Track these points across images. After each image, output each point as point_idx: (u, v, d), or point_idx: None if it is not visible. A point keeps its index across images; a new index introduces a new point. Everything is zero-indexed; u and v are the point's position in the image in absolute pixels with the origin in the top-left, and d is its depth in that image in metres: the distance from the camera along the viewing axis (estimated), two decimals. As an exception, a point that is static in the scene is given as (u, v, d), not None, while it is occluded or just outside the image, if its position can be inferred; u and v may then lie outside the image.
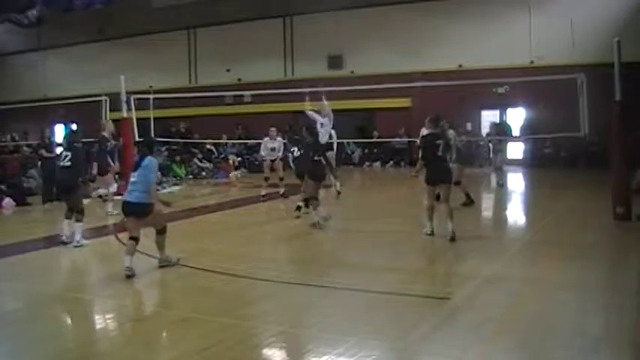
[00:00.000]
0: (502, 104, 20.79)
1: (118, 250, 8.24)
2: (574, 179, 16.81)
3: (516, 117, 20.72)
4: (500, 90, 20.12)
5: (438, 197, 9.28)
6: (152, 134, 14.59)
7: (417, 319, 5.35)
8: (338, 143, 14.79)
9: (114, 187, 12.61)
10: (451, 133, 11.86)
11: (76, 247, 8.84)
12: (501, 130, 16.14)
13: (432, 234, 8.95)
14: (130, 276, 6.95)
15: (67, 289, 7.02)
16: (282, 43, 24.10)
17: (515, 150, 20.29)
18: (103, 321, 5.92)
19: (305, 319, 5.72)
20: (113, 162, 12.98)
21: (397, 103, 21.08)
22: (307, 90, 13.46)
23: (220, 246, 9.02)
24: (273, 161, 14.24)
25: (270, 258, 8.26)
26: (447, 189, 9.02)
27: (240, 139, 22.51)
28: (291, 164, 13.24)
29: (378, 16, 22.00)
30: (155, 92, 17.24)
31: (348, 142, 21.75)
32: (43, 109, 20.97)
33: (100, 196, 13.79)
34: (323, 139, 12.01)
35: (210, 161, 21.29)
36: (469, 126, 15.31)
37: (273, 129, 14.47)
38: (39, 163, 15.58)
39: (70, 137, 9.76)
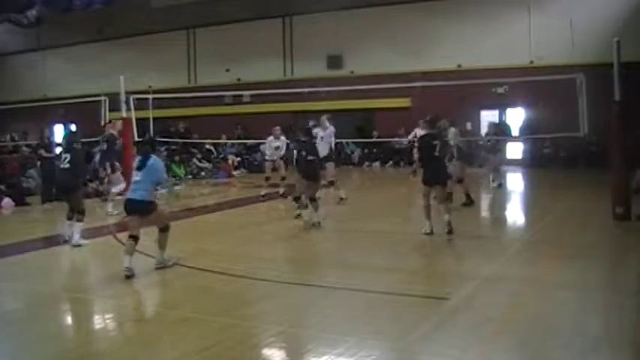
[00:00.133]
0: (501, 104, 20.79)
1: (118, 250, 8.22)
2: (573, 179, 16.81)
3: (516, 117, 20.73)
4: (500, 90, 20.14)
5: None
6: (152, 134, 14.57)
7: (417, 319, 5.35)
8: (337, 143, 14.75)
9: (118, 187, 12.57)
10: (452, 131, 11.88)
11: (74, 246, 8.84)
12: (500, 130, 16.15)
13: (431, 233, 8.96)
14: (129, 276, 6.95)
15: (67, 289, 7.03)
16: (281, 43, 24.10)
17: (515, 150, 20.30)
18: (102, 321, 5.91)
19: (305, 319, 5.72)
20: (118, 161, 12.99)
21: (397, 103, 21.08)
22: (306, 90, 13.45)
23: (220, 246, 9.02)
24: (274, 161, 14.23)
25: (270, 258, 8.26)
26: (441, 190, 9.05)
27: (239, 139, 22.51)
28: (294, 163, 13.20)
29: (377, 16, 22.00)
30: (154, 92, 17.26)
31: (347, 142, 21.76)
32: (42, 109, 20.99)
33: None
34: (323, 152, 11.98)
35: (209, 161, 21.29)
36: (469, 126, 15.32)
37: (277, 128, 14.45)
38: (38, 163, 15.59)
39: (70, 138, 9.76)
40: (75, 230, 8.94)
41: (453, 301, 5.93)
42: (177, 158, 20.44)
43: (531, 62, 19.61)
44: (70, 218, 9.06)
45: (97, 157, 14.84)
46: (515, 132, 18.92)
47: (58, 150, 12.66)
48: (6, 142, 20.95)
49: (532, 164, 19.79)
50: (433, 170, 9.01)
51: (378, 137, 21.48)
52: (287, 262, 8.35)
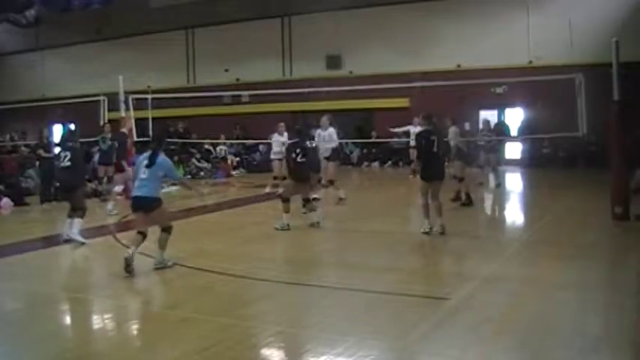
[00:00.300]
0: (500, 104, 20.79)
1: (118, 250, 8.22)
2: (572, 179, 16.82)
3: (515, 117, 20.73)
4: (499, 90, 20.15)
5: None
6: (151, 134, 14.56)
7: (416, 319, 5.35)
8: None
9: (119, 187, 12.55)
10: (452, 130, 11.87)
11: (66, 240, 8.84)
12: (499, 130, 16.15)
13: (430, 231, 8.96)
14: (128, 264, 6.94)
15: (66, 289, 7.01)
16: (280, 43, 24.10)
17: (514, 150, 20.32)
18: (102, 321, 5.91)
19: (304, 319, 5.72)
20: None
21: (396, 103, 21.07)
22: (305, 90, 13.45)
23: (219, 246, 9.01)
24: (281, 160, 14.09)
25: (269, 258, 8.26)
26: (438, 184, 9.05)
27: (238, 139, 22.50)
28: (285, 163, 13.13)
29: (376, 16, 22.01)
30: (153, 92, 17.19)
31: (346, 142, 21.75)
32: (41, 109, 20.93)
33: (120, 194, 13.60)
34: (325, 152, 12.41)
35: (208, 161, 21.28)
36: (467, 126, 15.30)
37: (282, 124, 14.44)
38: (37, 163, 15.56)
39: (68, 137, 9.75)
40: (74, 225, 8.93)
41: (452, 301, 5.93)
42: (176, 158, 20.40)
43: (530, 62, 19.63)
44: (71, 217, 9.07)
45: (96, 157, 14.86)
46: (514, 132, 18.91)
47: (57, 150, 12.64)
48: (5, 142, 20.94)
49: (531, 164, 19.81)
50: (432, 166, 9.00)
51: (377, 137, 21.49)
52: (286, 262, 8.35)
